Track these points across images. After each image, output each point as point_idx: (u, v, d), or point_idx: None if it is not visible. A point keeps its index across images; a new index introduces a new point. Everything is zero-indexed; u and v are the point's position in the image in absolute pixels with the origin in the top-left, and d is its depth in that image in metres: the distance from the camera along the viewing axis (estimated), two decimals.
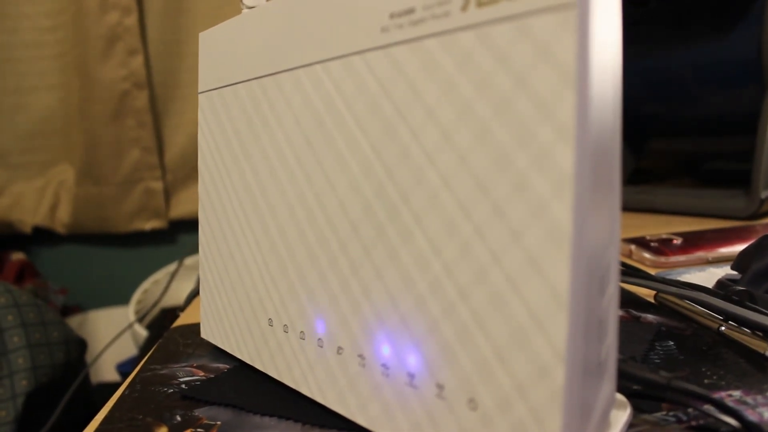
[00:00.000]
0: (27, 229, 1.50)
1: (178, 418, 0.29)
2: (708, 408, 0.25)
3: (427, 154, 0.22)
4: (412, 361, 0.23)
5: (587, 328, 0.19)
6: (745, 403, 0.26)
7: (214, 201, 0.36)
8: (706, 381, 0.29)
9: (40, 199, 1.51)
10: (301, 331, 0.28)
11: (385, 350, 0.24)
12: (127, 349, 1.22)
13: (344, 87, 0.25)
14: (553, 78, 0.17)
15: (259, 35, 0.31)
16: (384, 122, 0.23)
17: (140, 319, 1.19)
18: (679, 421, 0.25)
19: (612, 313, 0.22)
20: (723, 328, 0.34)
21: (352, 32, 0.25)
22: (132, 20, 1.36)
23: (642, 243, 0.55)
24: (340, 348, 0.26)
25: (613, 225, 0.21)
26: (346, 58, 0.25)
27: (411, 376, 0.23)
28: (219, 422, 0.29)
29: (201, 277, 0.38)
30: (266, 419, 0.29)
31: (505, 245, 0.19)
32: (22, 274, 1.38)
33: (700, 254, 0.51)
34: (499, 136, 0.19)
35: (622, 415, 0.25)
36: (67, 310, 1.47)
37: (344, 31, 0.25)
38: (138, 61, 1.39)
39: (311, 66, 0.27)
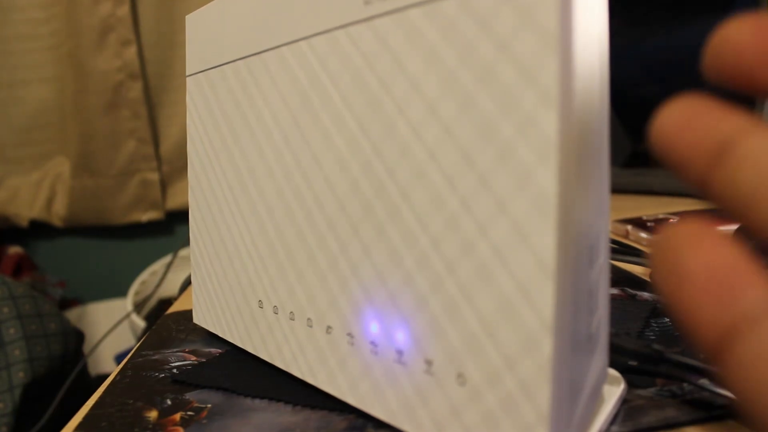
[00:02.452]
0: (24, 222, 1.49)
1: (169, 402, 0.29)
2: (703, 382, 0.25)
3: (412, 127, 0.21)
4: (401, 337, 0.22)
5: (576, 298, 0.18)
6: None
7: (204, 185, 0.35)
8: (701, 356, 0.28)
9: (37, 192, 1.50)
10: (291, 312, 0.28)
11: (374, 328, 0.24)
12: (125, 340, 1.22)
13: (329, 62, 0.25)
14: (535, 43, 0.17)
15: (244, 14, 0.30)
16: (369, 97, 0.23)
17: (138, 310, 1.19)
18: (674, 395, 0.25)
19: (603, 285, 0.22)
20: None
21: (335, 6, 0.24)
22: (125, 10, 1.35)
23: (638, 223, 0.55)
24: (329, 327, 0.26)
25: (602, 195, 0.21)
26: (330, 33, 0.25)
27: (399, 352, 0.23)
28: (209, 405, 0.28)
29: (192, 263, 0.38)
30: (257, 401, 0.28)
31: (491, 216, 0.19)
32: (20, 268, 1.38)
33: None
34: (484, 105, 0.19)
35: (615, 390, 0.24)
36: (66, 303, 1.47)
37: (328, 5, 0.25)
38: (131, 51, 1.38)
39: (296, 43, 0.27)
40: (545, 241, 0.17)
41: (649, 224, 0.54)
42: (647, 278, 0.40)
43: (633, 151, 0.92)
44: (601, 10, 0.20)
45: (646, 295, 0.37)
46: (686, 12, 0.77)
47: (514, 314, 0.18)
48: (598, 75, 0.20)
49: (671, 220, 0.54)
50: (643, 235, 0.52)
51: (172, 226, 1.57)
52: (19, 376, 0.77)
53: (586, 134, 0.19)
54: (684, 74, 0.79)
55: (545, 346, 0.18)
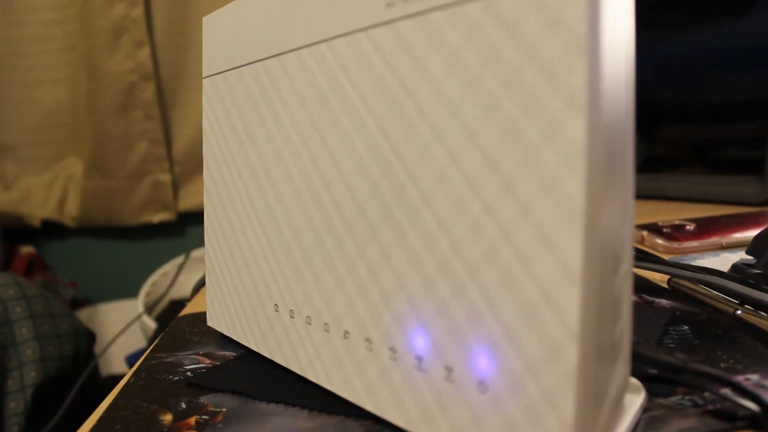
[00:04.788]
0: (36, 222, 1.50)
1: (183, 405, 0.29)
2: (725, 392, 0.24)
3: (434, 130, 0.21)
4: (421, 343, 0.22)
5: (601, 306, 0.18)
6: (763, 386, 0.26)
7: (220, 187, 0.35)
8: (722, 365, 0.28)
9: (49, 192, 1.51)
10: (307, 316, 0.28)
11: (393, 334, 0.23)
12: (136, 341, 1.22)
13: (349, 65, 0.25)
14: (563, 47, 0.17)
15: (262, 16, 0.30)
16: (390, 100, 0.23)
17: (149, 311, 1.19)
18: (696, 405, 0.25)
19: (626, 293, 0.21)
20: (739, 312, 0.33)
21: (356, 9, 0.24)
22: (138, 12, 1.36)
23: (654, 229, 0.54)
24: (346, 332, 0.26)
25: (626, 202, 0.20)
26: (350, 36, 0.25)
27: (419, 359, 0.22)
28: (224, 409, 0.28)
29: (207, 265, 0.38)
30: (272, 406, 0.28)
31: (515, 221, 0.18)
32: (32, 268, 1.38)
33: (714, 239, 0.50)
34: (509, 109, 0.18)
35: (636, 399, 0.24)
36: (77, 303, 1.47)
37: (348, 7, 0.24)
38: (145, 53, 1.39)
39: (315, 45, 0.27)
40: (571, 247, 0.17)
41: (664, 230, 0.54)
42: (665, 285, 0.40)
43: (647, 156, 0.91)
44: (627, 11, 0.20)
45: (663, 302, 0.37)
46: (701, 16, 0.76)
47: (538, 321, 0.18)
48: (624, 78, 0.20)
49: (687, 227, 0.54)
50: (659, 240, 0.51)
51: (184, 228, 1.57)
52: (31, 375, 0.78)
53: (613, 139, 0.18)
54: (697, 78, 0.78)
55: (570, 355, 0.17)
